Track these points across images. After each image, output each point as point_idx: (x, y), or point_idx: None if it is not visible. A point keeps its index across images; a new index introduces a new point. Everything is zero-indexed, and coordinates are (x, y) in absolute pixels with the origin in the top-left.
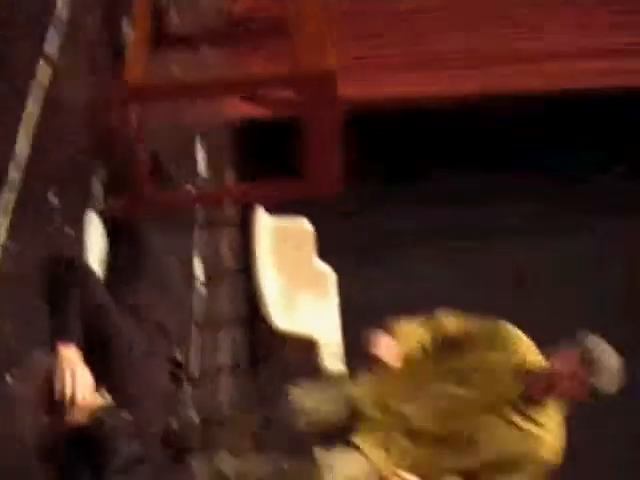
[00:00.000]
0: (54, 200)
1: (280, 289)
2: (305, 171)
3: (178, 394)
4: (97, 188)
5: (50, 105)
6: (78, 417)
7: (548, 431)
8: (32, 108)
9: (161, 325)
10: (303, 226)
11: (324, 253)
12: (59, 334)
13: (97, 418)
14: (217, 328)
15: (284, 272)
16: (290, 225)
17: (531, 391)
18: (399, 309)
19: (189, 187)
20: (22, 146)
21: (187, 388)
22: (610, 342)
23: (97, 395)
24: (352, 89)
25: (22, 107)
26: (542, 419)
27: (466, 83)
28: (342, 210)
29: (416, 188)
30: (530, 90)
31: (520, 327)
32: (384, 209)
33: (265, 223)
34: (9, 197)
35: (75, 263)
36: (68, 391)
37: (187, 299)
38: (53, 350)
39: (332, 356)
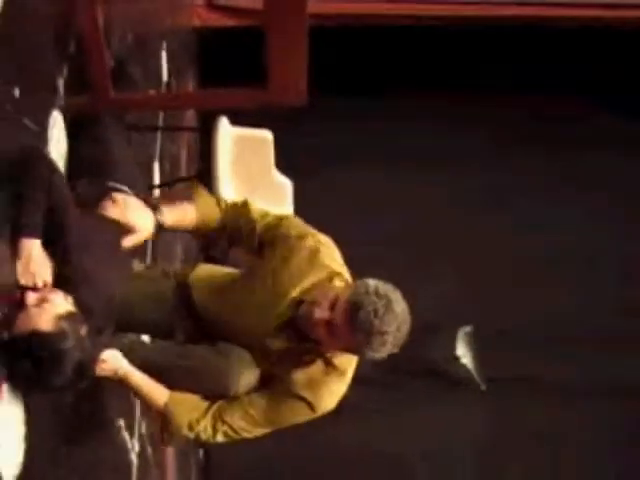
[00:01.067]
0: (16, 94)
1: (236, 197)
2: (269, 80)
3: None
4: (61, 87)
5: (15, 3)
6: (44, 322)
7: (332, 380)
8: None
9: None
10: (264, 137)
11: (282, 164)
12: (26, 228)
13: (62, 331)
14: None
15: (242, 181)
16: (251, 135)
17: (295, 325)
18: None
19: (152, 92)
20: None
21: None
22: None
23: (64, 300)
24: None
25: None
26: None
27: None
28: (302, 123)
29: (380, 105)
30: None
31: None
32: (344, 123)
33: (226, 131)
34: None
35: (45, 155)
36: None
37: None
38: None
39: None
